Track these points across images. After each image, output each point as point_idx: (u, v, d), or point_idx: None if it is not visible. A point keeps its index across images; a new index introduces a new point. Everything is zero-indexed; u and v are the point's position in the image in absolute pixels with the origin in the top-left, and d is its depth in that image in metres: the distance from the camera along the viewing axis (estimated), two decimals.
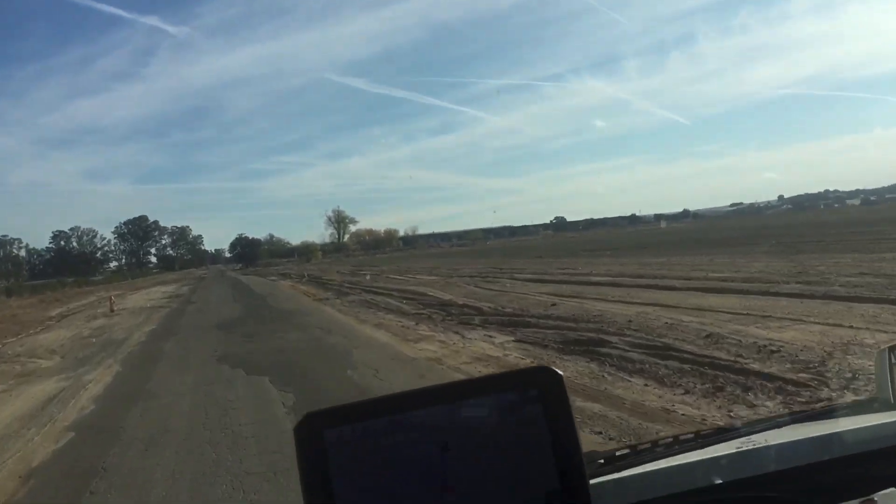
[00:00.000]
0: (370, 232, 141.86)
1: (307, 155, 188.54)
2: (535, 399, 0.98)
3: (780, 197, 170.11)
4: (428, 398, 0.98)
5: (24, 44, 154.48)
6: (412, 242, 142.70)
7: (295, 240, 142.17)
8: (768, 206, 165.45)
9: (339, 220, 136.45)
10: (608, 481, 1.27)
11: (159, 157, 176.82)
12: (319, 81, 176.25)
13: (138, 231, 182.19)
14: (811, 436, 1.38)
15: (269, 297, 30.00)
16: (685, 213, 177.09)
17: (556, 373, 1.00)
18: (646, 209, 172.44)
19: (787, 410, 5.73)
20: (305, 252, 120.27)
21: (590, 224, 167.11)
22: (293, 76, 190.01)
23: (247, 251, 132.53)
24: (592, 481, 1.20)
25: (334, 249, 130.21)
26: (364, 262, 78.59)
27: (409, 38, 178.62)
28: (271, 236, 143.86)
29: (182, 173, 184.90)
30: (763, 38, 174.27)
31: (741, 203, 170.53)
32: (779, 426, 1.52)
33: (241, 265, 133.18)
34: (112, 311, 30.29)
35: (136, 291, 56.08)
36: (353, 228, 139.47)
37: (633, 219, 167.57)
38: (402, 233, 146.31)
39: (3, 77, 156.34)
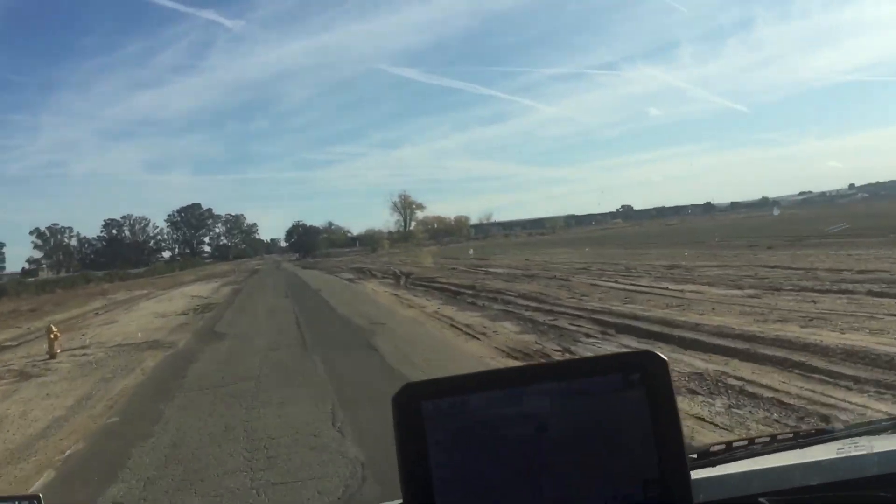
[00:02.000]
0: (439, 219, 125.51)
1: (361, 145, 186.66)
2: (637, 383, 0.94)
3: (851, 185, 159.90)
4: (528, 376, 0.95)
5: (88, 39, 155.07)
6: (485, 231, 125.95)
7: (354, 229, 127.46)
8: (839, 194, 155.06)
9: (406, 206, 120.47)
10: (702, 477, 1.21)
11: (216, 148, 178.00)
12: (372, 71, 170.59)
13: (191, 219, 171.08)
14: None
15: (385, 337, 12.83)
16: (764, 201, 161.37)
17: (661, 357, 0.96)
18: (702, 198, 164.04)
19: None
20: (370, 241, 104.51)
21: (661, 212, 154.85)
22: (346, 66, 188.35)
23: (304, 240, 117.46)
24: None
25: (400, 238, 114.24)
26: (447, 253, 62.42)
27: (460, 27, 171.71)
28: (330, 224, 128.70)
29: (238, 163, 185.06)
30: (824, 22, 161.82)
31: (810, 192, 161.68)
32: (883, 430, 1.44)
33: (297, 256, 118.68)
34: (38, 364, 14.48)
35: (159, 294, 40.98)
36: (420, 215, 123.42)
37: (708, 207, 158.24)
38: (473, 220, 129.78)
39: (67, 70, 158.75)
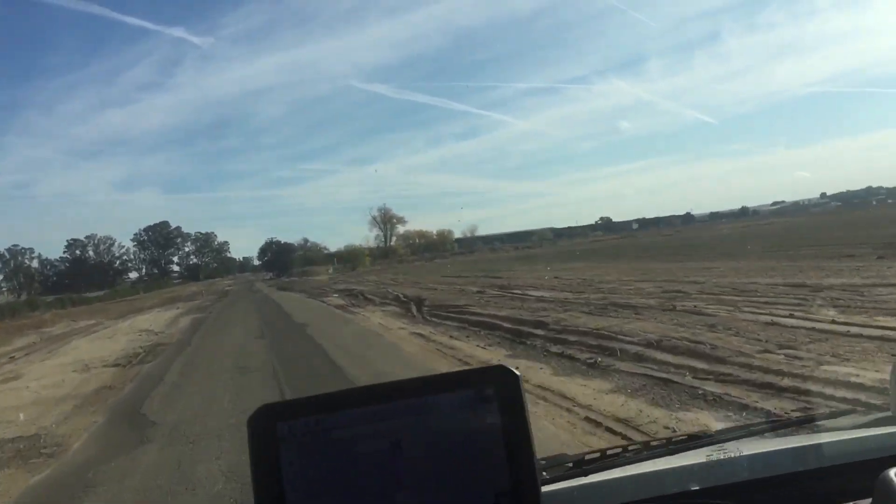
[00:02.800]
0: (421, 233, 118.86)
1: (333, 162, 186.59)
2: (490, 398, 0.95)
3: (823, 195, 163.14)
4: (384, 394, 0.96)
5: (54, 57, 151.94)
6: (469, 245, 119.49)
7: (330, 246, 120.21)
8: (812, 204, 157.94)
9: (386, 221, 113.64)
10: (576, 486, 1.23)
11: (186, 167, 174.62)
12: (343, 88, 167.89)
13: (159, 238, 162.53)
14: (786, 446, 1.34)
15: None
16: (744, 211, 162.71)
17: (513, 371, 0.97)
18: (677, 209, 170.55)
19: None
20: (350, 258, 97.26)
21: (642, 223, 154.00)
22: (317, 83, 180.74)
23: (278, 258, 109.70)
24: (559, 485, 1.23)
25: (381, 254, 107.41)
26: (440, 269, 55.73)
27: (431, 44, 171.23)
28: (305, 241, 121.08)
29: (209, 182, 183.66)
30: (790, 34, 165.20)
31: (783, 202, 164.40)
32: (753, 434, 1.47)
33: (271, 274, 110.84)
34: None
35: (106, 326, 33.71)
36: (401, 230, 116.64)
37: (688, 217, 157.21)
38: (457, 234, 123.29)
39: (34, 89, 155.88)
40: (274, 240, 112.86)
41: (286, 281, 78.64)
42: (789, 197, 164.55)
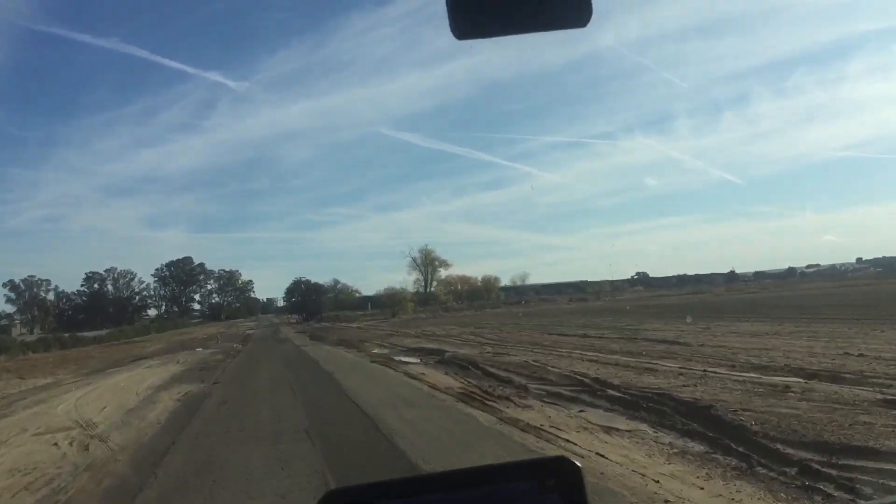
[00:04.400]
0: (464, 279, 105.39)
1: (359, 207, 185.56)
2: (551, 489, 0.95)
3: (859, 259, 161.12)
4: (445, 483, 0.97)
5: (93, 95, 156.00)
6: (518, 294, 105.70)
7: (363, 289, 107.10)
8: (851, 268, 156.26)
9: (428, 264, 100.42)
10: None
11: (214, 207, 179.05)
12: (372, 135, 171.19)
13: (181, 274, 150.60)
14: None
15: None
16: (791, 272, 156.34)
17: (574, 464, 0.97)
18: (700, 268, 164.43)
19: None
20: (389, 302, 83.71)
21: (681, 280, 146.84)
22: (347, 129, 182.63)
23: (308, 299, 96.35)
24: None
25: (420, 300, 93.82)
26: (508, 320, 42.13)
27: (461, 95, 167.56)
28: (336, 282, 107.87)
29: (236, 223, 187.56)
30: (819, 99, 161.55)
31: (818, 265, 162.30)
32: None
33: (298, 317, 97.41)
34: None
35: (57, 395, 20.38)
36: (442, 273, 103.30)
37: (732, 276, 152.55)
38: (504, 282, 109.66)
39: (71, 127, 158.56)
40: (302, 279, 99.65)
41: (317, 327, 65.22)
42: (813, 260, 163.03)
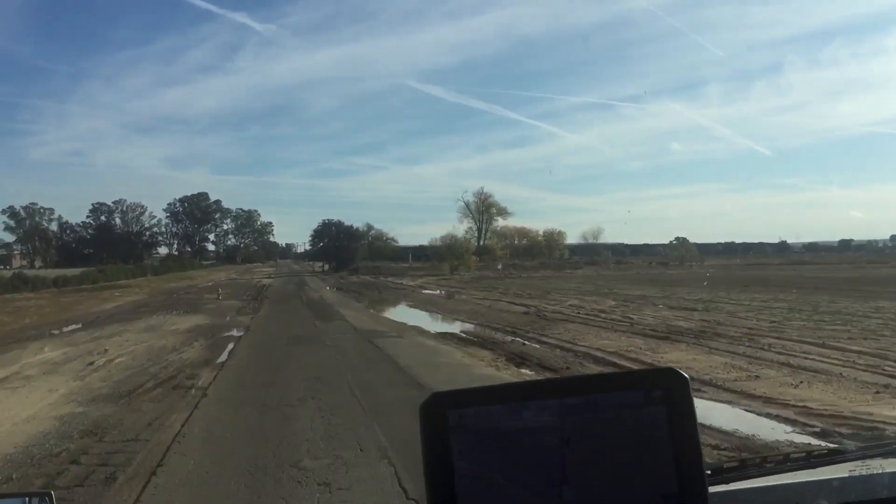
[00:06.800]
0: (523, 232, 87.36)
1: (381, 158, 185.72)
2: (658, 400, 0.93)
3: (893, 237, 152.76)
4: (552, 390, 0.95)
5: (119, 31, 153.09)
6: (590, 253, 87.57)
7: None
8: (888, 245, 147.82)
9: (484, 210, 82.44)
10: (715, 493, 1.17)
11: (237, 150, 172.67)
12: (398, 86, 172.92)
13: (195, 211, 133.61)
14: None
15: None
16: (845, 244, 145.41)
17: (682, 375, 0.95)
18: (719, 236, 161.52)
19: None
20: (448, 255, 65.74)
21: (729, 249, 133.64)
22: (372, 80, 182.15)
23: (340, 245, 78.32)
24: None
25: (475, 253, 75.83)
26: (624, 289, 24.44)
27: (489, 50, 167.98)
28: (369, 227, 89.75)
29: (257, 167, 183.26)
30: (853, 72, 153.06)
31: (851, 240, 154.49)
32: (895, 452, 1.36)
33: (324, 265, 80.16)
34: None
35: None
36: (500, 223, 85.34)
37: (783, 246, 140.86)
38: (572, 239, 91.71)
39: (97, 61, 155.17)
40: (333, 220, 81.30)
41: (358, 282, 47.91)
42: (840, 235, 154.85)
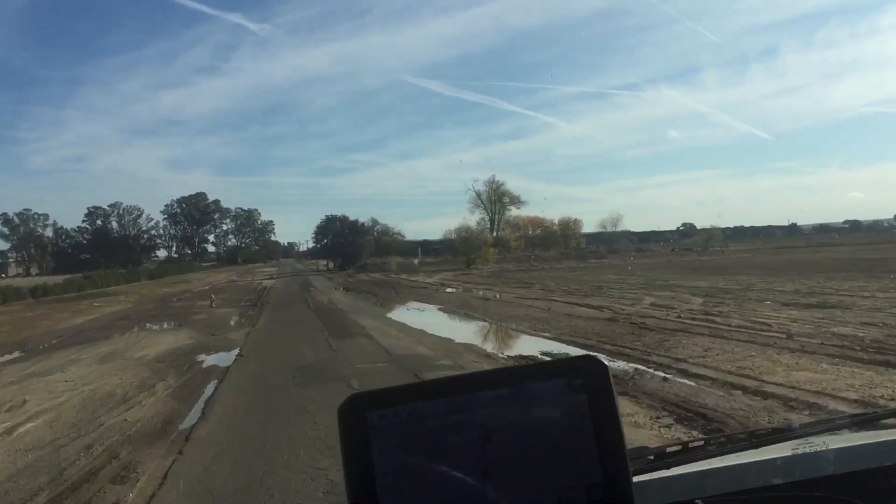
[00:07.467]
0: (537, 221, 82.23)
1: (379, 154, 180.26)
2: (580, 389, 0.92)
3: None
4: (473, 384, 0.93)
5: (114, 36, 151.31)
6: (608, 241, 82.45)
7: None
8: (892, 225, 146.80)
9: (496, 200, 77.35)
10: (657, 478, 1.17)
11: (235, 150, 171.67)
12: (394, 82, 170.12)
13: (193, 212, 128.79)
14: (873, 440, 1.28)
15: None
16: (856, 225, 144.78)
17: (602, 363, 0.94)
18: (726, 221, 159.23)
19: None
20: (464, 249, 60.48)
21: (738, 233, 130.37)
22: (369, 76, 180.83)
23: (346, 241, 73.14)
24: (640, 477, 1.17)
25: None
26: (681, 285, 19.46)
27: (485, 43, 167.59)
28: (375, 222, 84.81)
29: (257, 167, 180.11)
30: (850, 53, 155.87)
31: (857, 220, 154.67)
32: (839, 428, 1.40)
33: (328, 263, 75.14)
34: None
35: None
36: (513, 213, 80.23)
37: (793, 229, 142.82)
38: (588, 228, 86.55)
39: (94, 67, 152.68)
40: (337, 216, 75.96)
41: (369, 280, 42.91)
42: (841, 217, 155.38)
